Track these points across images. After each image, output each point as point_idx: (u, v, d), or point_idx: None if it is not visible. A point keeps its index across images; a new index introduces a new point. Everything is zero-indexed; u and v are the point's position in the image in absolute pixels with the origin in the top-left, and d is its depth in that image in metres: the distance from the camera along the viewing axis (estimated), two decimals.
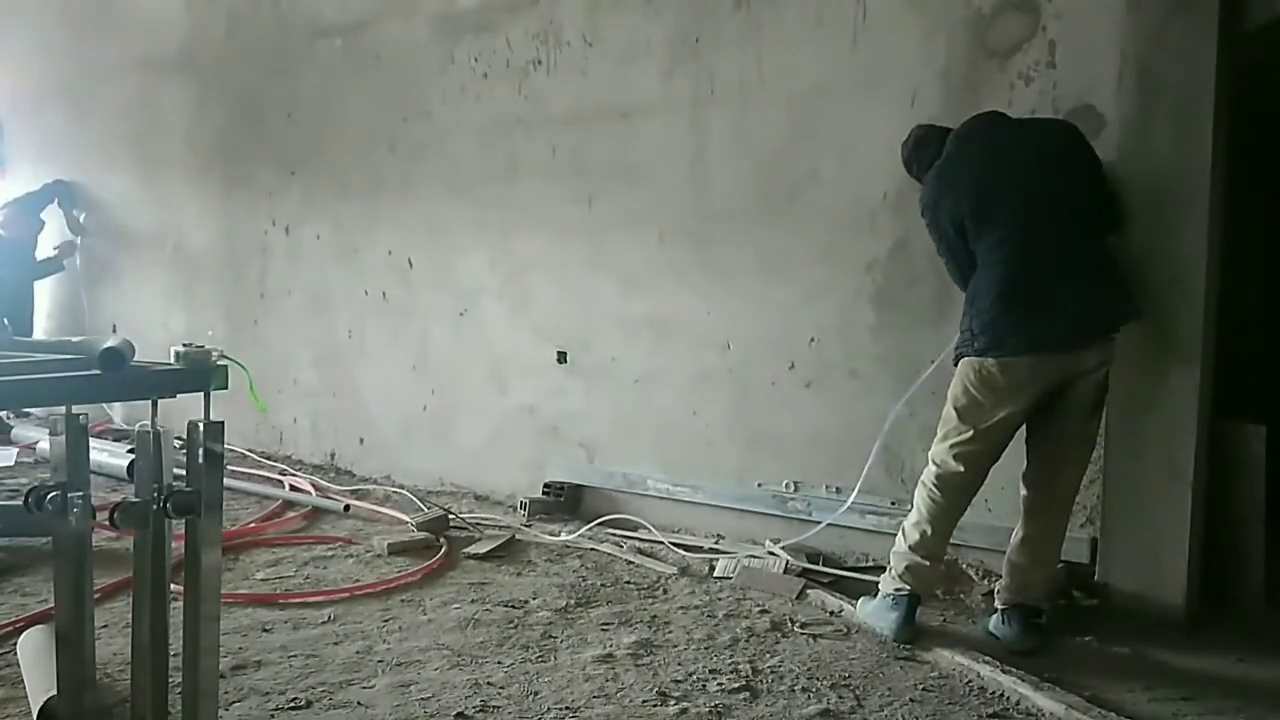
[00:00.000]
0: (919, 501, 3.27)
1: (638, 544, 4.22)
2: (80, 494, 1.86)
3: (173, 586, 2.02)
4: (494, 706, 2.73)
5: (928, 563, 3.24)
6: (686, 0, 4.30)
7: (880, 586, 3.33)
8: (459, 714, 2.68)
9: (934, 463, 3.25)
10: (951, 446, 3.20)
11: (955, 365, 3.23)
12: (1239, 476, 3.51)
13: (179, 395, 1.96)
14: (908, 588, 3.23)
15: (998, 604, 3.27)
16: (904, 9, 3.78)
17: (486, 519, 4.63)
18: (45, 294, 7.25)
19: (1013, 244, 3.09)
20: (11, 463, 5.65)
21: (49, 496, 1.86)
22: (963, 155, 3.23)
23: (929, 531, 3.23)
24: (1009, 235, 3.09)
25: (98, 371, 1.85)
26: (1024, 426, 3.22)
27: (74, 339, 2.12)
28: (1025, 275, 3.07)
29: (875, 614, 3.30)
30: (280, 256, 5.89)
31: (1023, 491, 3.25)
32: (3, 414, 6.30)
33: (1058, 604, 3.40)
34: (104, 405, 6.37)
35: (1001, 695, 2.84)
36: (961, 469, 3.18)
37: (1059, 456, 3.20)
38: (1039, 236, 3.09)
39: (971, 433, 3.16)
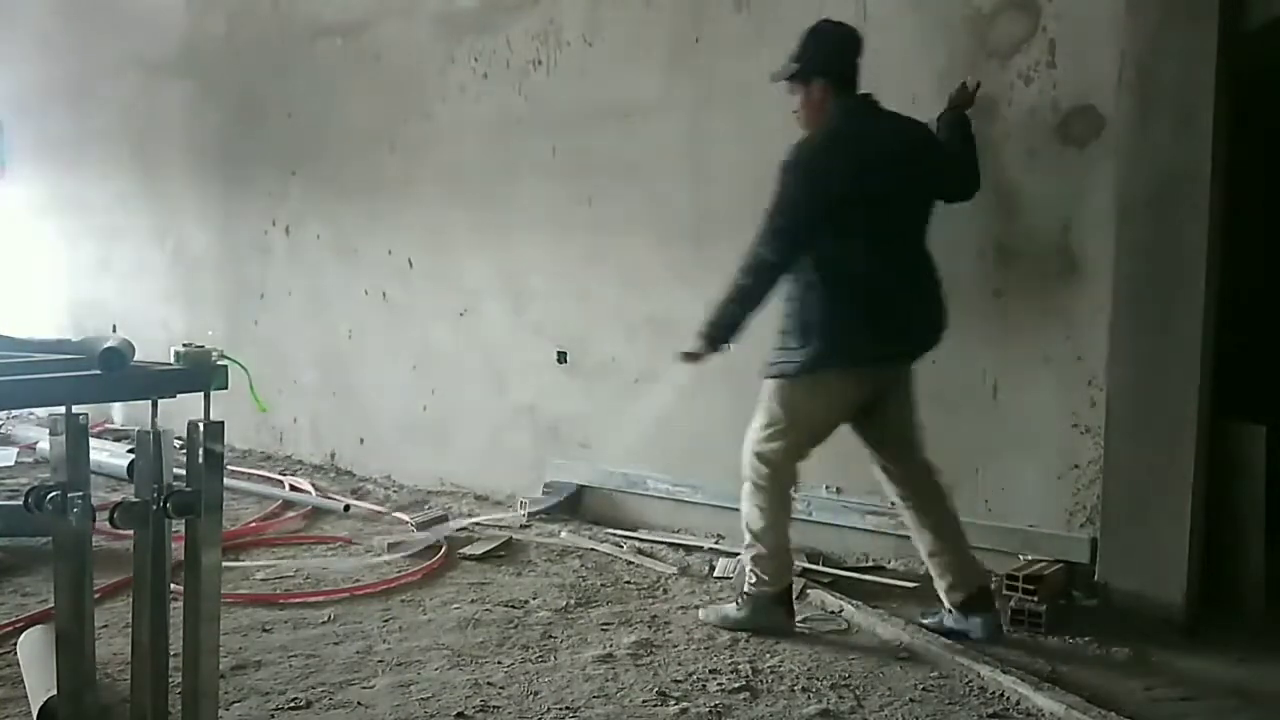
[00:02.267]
0: (758, 508, 3.31)
1: (638, 544, 4.22)
2: (80, 494, 1.86)
3: (173, 586, 2.02)
4: (494, 706, 2.73)
5: (784, 555, 3.34)
6: (686, 0, 4.30)
7: (746, 591, 3.33)
8: (459, 714, 2.68)
9: (764, 463, 3.29)
10: (785, 449, 3.26)
11: (790, 375, 3.20)
12: (1239, 476, 3.51)
13: (179, 395, 1.96)
14: (778, 583, 3.30)
15: (948, 604, 3.26)
16: (904, 9, 3.78)
17: (487, 519, 4.63)
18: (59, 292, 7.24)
19: (871, 251, 3.10)
20: (11, 463, 5.65)
21: (49, 496, 1.86)
22: (852, 140, 3.14)
23: (774, 526, 3.30)
24: (870, 240, 3.10)
25: (98, 371, 1.85)
26: (866, 439, 3.35)
27: (74, 339, 2.13)
28: (880, 286, 3.11)
29: (753, 616, 3.29)
30: (280, 256, 5.88)
31: (899, 490, 3.33)
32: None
33: (1057, 604, 3.40)
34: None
35: (1001, 695, 2.84)
36: (793, 468, 3.32)
37: (912, 445, 3.33)
38: (894, 247, 3.14)
39: (806, 436, 3.26)
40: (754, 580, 3.31)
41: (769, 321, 4.14)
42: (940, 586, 3.28)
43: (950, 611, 3.25)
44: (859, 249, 3.10)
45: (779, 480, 3.29)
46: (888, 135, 3.19)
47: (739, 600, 3.36)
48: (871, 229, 3.10)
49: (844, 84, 3.20)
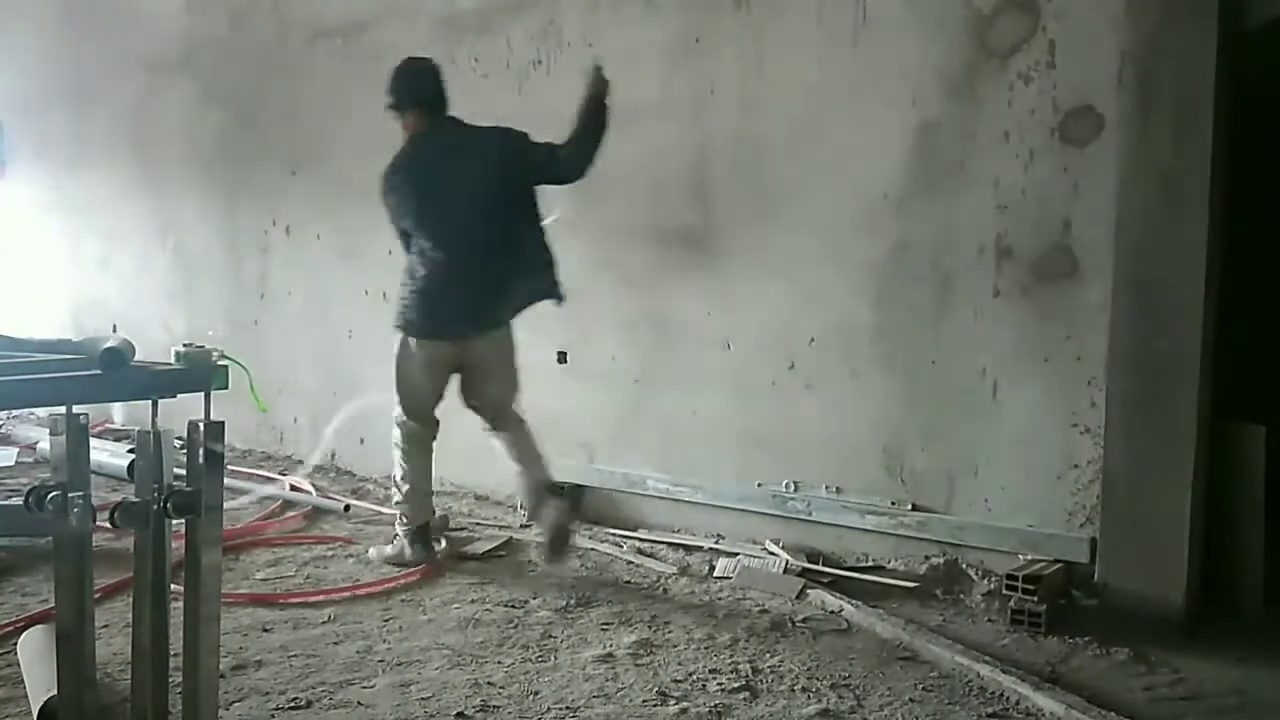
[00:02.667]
0: (397, 459, 4.02)
1: (638, 544, 4.22)
2: (80, 494, 1.86)
3: (173, 586, 2.02)
4: (494, 706, 2.73)
5: (418, 496, 4.00)
6: (686, 0, 4.30)
7: (396, 531, 4.02)
8: (459, 714, 2.69)
9: (398, 425, 4.01)
10: (405, 409, 3.98)
11: (398, 330, 3.94)
12: (1239, 476, 3.51)
13: (179, 395, 1.96)
14: (415, 521, 3.96)
15: (524, 508, 4.19)
16: (904, 9, 3.78)
17: (487, 519, 4.63)
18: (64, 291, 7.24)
19: (439, 247, 3.79)
20: (11, 463, 5.65)
21: (49, 496, 1.86)
22: (419, 160, 3.83)
23: (410, 473, 3.99)
24: (438, 240, 3.79)
25: (98, 371, 1.85)
26: (462, 392, 4.01)
27: (74, 339, 2.13)
28: (440, 275, 3.79)
29: (401, 551, 3.96)
30: (280, 256, 5.88)
31: (495, 432, 4.03)
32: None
33: (1057, 604, 3.41)
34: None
35: (1001, 695, 2.84)
36: (416, 425, 4.00)
37: (501, 400, 4.02)
38: (455, 243, 3.78)
39: (412, 393, 3.96)
40: (401, 521, 4.00)
41: (769, 323, 4.17)
42: (520, 497, 4.24)
43: (525, 513, 4.23)
44: (421, 243, 3.84)
45: (409, 436, 4.00)
46: (454, 148, 3.81)
47: (392, 540, 4.04)
48: (431, 228, 3.81)
49: (429, 108, 3.87)
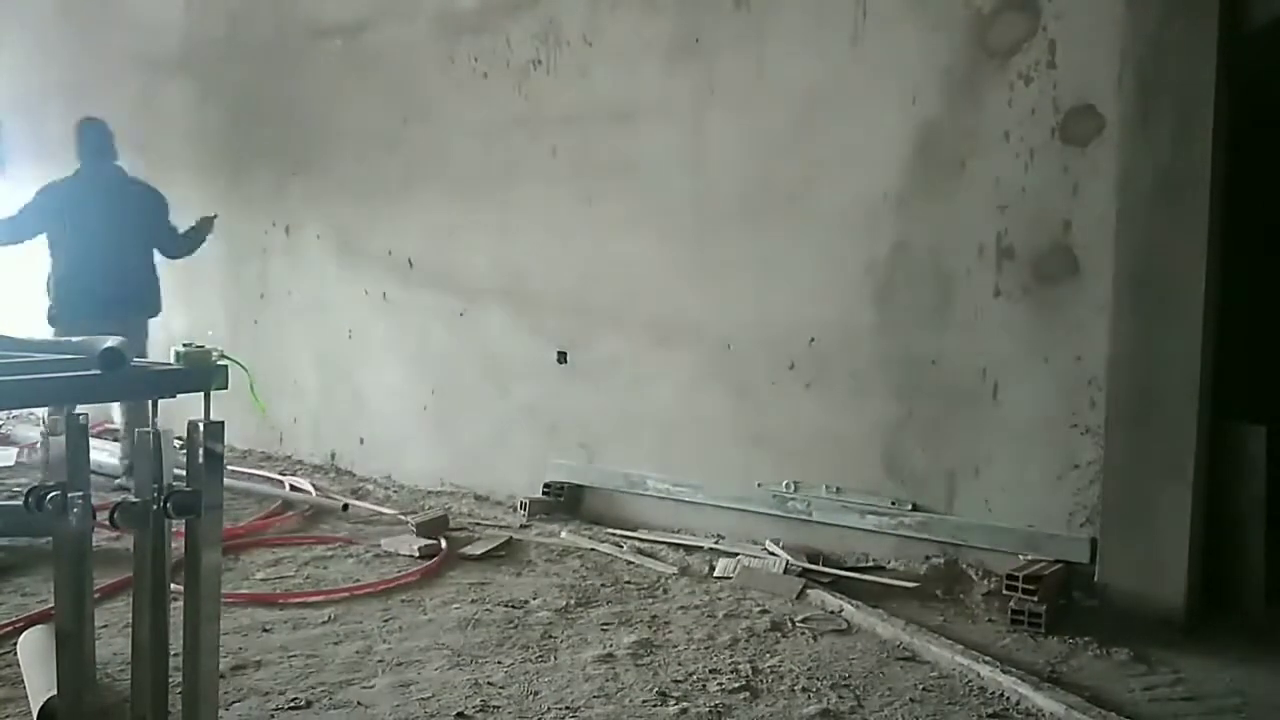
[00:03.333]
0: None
1: (638, 544, 4.22)
2: (80, 494, 1.86)
3: (173, 586, 2.02)
4: (494, 706, 2.73)
5: None
6: (686, 0, 4.30)
7: None
8: (459, 714, 2.68)
9: None
10: None
11: (50, 323, 4.79)
12: (1239, 476, 3.52)
13: (179, 395, 1.96)
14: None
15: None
16: (904, 9, 3.78)
17: (486, 519, 4.63)
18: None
19: (80, 250, 4.78)
20: (11, 463, 5.64)
21: (49, 496, 1.86)
22: (88, 181, 4.86)
23: None
24: (93, 250, 4.76)
25: (98, 371, 1.85)
26: None
27: (73, 339, 2.12)
28: (93, 275, 4.74)
29: None
30: (280, 256, 5.88)
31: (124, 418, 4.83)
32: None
33: (1057, 604, 3.40)
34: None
35: (1001, 695, 2.84)
36: None
37: None
38: (101, 251, 4.76)
39: None
40: None
41: (769, 323, 4.17)
42: (120, 454, 4.92)
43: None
44: (72, 247, 4.79)
45: None
46: (117, 186, 4.92)
47: None
48: (80, 237, 4.78)
49: (99, 154, 4.93)
